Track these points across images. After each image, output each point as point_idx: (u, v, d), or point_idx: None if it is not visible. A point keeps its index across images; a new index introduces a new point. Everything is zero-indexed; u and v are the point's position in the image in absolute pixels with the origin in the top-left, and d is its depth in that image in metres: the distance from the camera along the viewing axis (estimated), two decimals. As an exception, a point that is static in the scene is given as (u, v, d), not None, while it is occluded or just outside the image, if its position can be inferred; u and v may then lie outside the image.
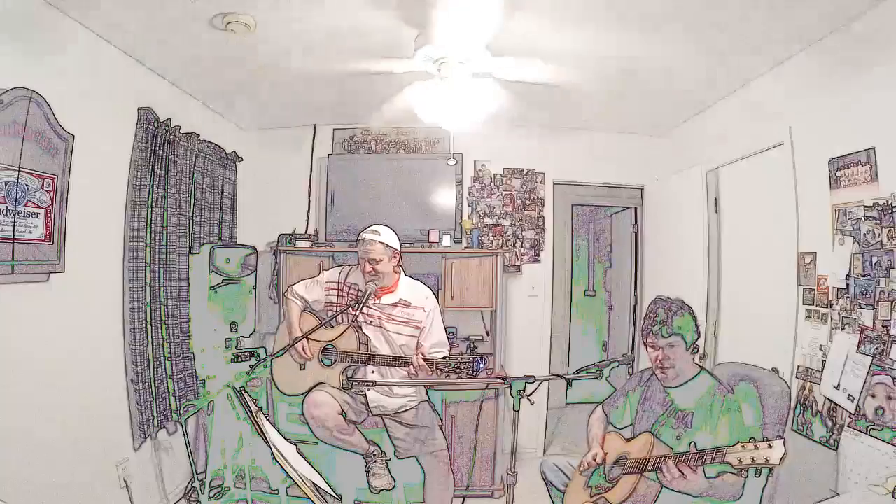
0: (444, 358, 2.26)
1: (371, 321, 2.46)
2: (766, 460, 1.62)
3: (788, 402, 2.07)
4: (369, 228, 2.47)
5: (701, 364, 2.08)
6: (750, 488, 1.92)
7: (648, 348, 2.04)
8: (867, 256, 2.07)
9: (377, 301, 2.46)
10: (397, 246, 2.49)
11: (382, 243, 2.43)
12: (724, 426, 1.87)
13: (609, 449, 2.10)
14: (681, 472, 1.75)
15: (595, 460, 2.08)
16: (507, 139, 3.96)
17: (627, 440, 2.06)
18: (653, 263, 4.00)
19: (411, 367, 2.31)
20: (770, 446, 1.63)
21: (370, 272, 2.41)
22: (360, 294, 2.43)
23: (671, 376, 2.00)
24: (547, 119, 3.80)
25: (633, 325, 4.52)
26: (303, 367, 2.47)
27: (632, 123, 3.85)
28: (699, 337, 2.04)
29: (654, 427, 2.00)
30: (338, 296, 2.52)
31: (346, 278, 2.54)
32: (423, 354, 2.34)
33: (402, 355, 2.42)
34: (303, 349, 2.45)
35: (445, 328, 2.58)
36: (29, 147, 2.02)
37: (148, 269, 2.77)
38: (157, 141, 2.80)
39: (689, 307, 2.04)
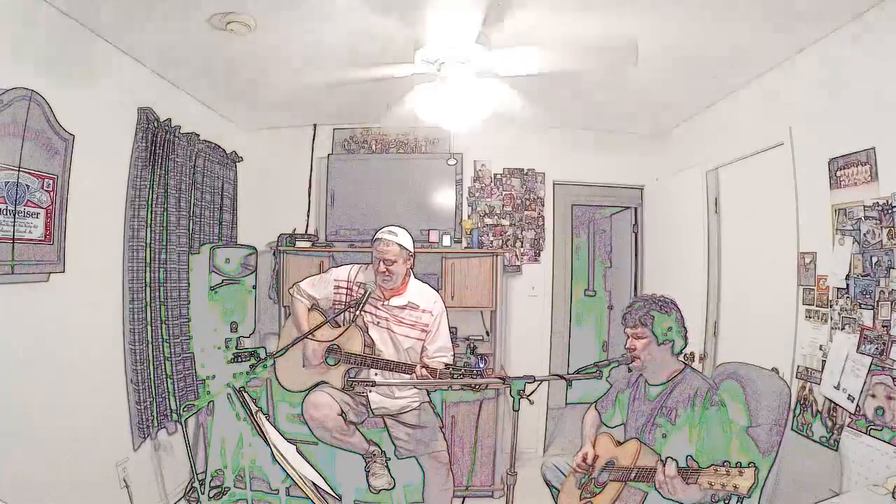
0: (448, 366, 2.26)
1: (378, 322, 2.45)
2: (735, 487, 1.64)
3: (788, 402, 2.07)
4: (386, 229, 2.45)
5: (686, 362, 2.12)
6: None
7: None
8: (867, 256, 2.07)
9: (386, 302, 2.45)
10: (412, 248, 2.47)
11: (399, 244, 2.41)
12: (708, 420, 1.90)
13: (600, 450, 2.13)
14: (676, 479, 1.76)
15: (585, 460, 2.12)
16: (507, 139, 3.96)
17: (618, 444, 2.09)
18: (653, 263, 4.00)
19: (414, 375, 2.31)
20: (741, 473, 1.64)
21: (384, 273, 2.40)
22: (363, 293, 2.42)
23: (638, 367, 2.08)
24: (547, 119, 3.79)
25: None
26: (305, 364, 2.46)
27: (632, 123, 3.85)
28: (682, 337, 2.06)
29: (643, 427, 2.04)
30: (346, 294, 2.50)
31: (355, 277, 2.52)
32: (426, 363, 2.33)
33: (407, 358, 2.41)
34: (312, 352, 2.43)
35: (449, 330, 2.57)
36: (29, 147, 2.02)
37: (148, 269, 2.77)
38: (157, 141, 2.80)
39: (670, 306, 2.08)
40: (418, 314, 2.46)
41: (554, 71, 2.74)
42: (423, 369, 2.28)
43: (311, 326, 2.44)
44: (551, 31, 2.39)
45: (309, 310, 2.53)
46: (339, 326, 2.44)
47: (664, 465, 1.77)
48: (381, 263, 2.39)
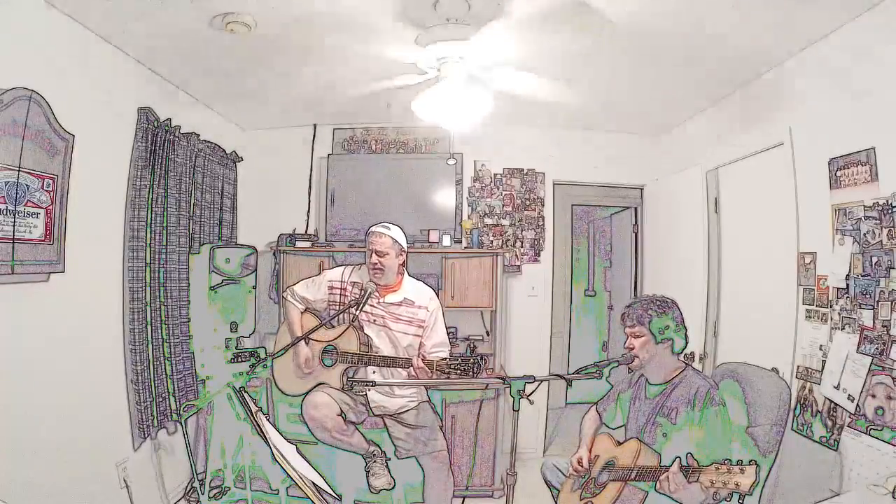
0: (445, 359, 2.26)
1: (374, 320, 2.45)
2: (737, 485, 1.63)
3: (788, 402, 2.07)
4: (380, 224, 2.48)
5: (687, 362, 2.11)
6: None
7: None
8: (867, 256, 2.07)
9: (381, 300, 2.46)
10: (405, 244, 2.49)
11: (391, 237, 2.43)
12: (709, 420, 1.90)
13: (599, 450, 2.12)
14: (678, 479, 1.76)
15: (580, 464, 2.12)
16: (507, 139, 3.96)
17: (617, 444, 2.09)
18: (653, 263, 4.00)
19: (412, 368, 2.31)
20: (742, 471, 1.63)
21: (375, 265, 2.40)
22: (361, 293, 2.43)
23: (638, 366, 2.07)
24: (547, 119, 3.80)
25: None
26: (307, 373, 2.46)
27: (632, 123, 3.85)
28: (682, 336, 2.06)
29: (643, 426, 2.03)
30: (340, 295, 2.50)
31: (349, 277, 2.52)
32: (423, 356, 2.34)
33: (405, 355, 2.41)
34: (305, 360, 2.43)
35: (446, 328, 2.57)
36: (29, 147, 2.02)
37: (148, 269, 2.77)
38: (157, 141, 2.80)
39: (668, 305, 2.07)
40: (414, 310, 2.47)
41: (554, 72, 2.76)
42: (421, 361, 2.28)
43: (304, 330, 2.44)
44: (551, 32, 2.39)
45: (302, 313, 2.53)
46: (335, 328, 2.45)
47: (668, 469, 1.77)
48: (373, 255, 2.41)
